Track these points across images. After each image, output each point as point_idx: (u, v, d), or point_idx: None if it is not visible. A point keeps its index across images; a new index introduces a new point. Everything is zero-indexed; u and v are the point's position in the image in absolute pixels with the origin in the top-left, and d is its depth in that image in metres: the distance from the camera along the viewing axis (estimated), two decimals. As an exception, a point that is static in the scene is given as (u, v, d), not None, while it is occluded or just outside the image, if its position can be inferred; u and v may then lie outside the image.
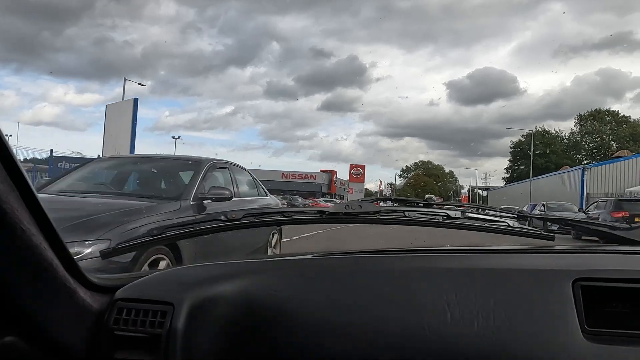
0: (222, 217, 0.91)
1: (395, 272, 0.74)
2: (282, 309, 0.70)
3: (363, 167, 55.47)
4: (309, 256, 0.87)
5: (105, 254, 0.93)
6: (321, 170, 59.49)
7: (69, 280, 0.70)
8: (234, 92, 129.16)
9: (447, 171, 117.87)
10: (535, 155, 51.08)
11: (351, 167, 55.99)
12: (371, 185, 70.72)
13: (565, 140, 52.87)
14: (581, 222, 0.99)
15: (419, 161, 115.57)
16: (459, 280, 0.69)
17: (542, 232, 0.91)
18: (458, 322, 0.64)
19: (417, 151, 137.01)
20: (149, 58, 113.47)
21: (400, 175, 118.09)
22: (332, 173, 53.64)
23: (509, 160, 56.24)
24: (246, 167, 4.84)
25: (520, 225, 0.92)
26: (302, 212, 0.97)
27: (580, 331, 0.61)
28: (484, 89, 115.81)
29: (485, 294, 0.66)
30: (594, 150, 49.13)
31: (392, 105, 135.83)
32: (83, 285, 0.74)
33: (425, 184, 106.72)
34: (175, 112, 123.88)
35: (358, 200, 1.01)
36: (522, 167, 51.54)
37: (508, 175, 56.95)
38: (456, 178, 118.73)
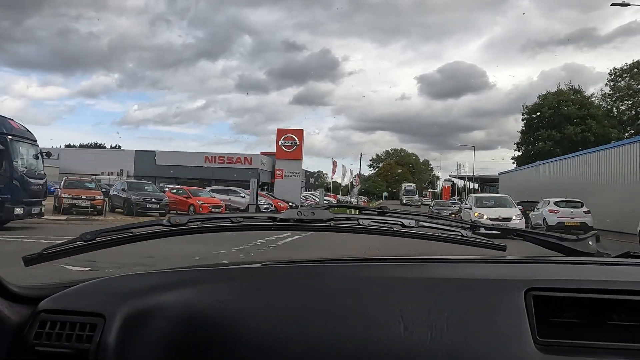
0: (165, 222, 0.90)
1: (347, 283, 0.76)
2: (227, 323, 0.70)
3: (300, 133, 33.37)
4: (258, 265, 0.89)
5: (28, 261, 0.87)
6: (262, 153, 47.48)
7: None
8: (205, 85, 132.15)
9: (421, 160, 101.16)
10: (564, 120, 33.41)
11: (280, 133, 33.07)
12: (339, 179, 65.23)
13: (602, 105, 35.89)
14: (531, 233, 1.08)
15: (391, 149, 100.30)
16: (412, 290, 0.72)
17: (494, 243, 0.96)
18: (412, 334, 0.66)
19: (389, 145, 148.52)
20: (116, 50, 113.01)
21: (370, 165, 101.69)
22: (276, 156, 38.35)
23: (521, 132, 39.03)
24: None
25: (473, 235, 0.96)
26: (252, 217, 1.01)
27: (532, 342, 0.65)
28: (454, 83, 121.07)
29: (439, 304, 0.69)
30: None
31: (364, 99, 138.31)
32: (1, 295, 0.72)
33: (398, 174, 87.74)
34: (144, 106, 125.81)
35: (310, 206, 1.01)
36: (540, 144, 38.68)
37: (520, 153, 39.44)
38: (432, 168, 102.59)
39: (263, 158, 48.49)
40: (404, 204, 51.55)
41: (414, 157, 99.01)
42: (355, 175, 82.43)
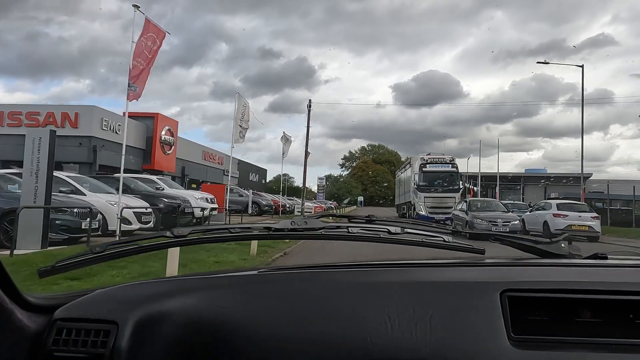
0: (168, 234, 1.01)
1: (338, 287, 0.86)
2: (228, 326, 0.78)
3: (175, 125, 31.52)
4: (255, 272, 0.99)
5: (43, 273, 0.95)
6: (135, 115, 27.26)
7: (5, 301, 0.75)
8: (180, 93, 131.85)
9: (403, 159, 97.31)
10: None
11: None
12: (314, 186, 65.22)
13: None
14: (509, 236, 1.17)
15: (368, 145, 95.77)
16: (398, 293, 0.81)
17: (474, 247, 1.07)
18: (398, 333, 0.75)
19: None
20: (87, 55, 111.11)
21: (342, 165, 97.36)
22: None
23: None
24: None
25: (454, 240, 1.07)
26: (249, 228, 1.08)
27: (507, 338, 0.74)
28: (428, 91, 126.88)
29: (422, 305, 0.78)
30: None
31: (340, 107, 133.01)
32: (19, 305, 0.79)
33: (375, 174, 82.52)
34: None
35: (304, 216, 1.24)
36: None
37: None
38: None
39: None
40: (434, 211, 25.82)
41: (395, 156, 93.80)
42: (324, 178, 77.58)
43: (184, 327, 0.78)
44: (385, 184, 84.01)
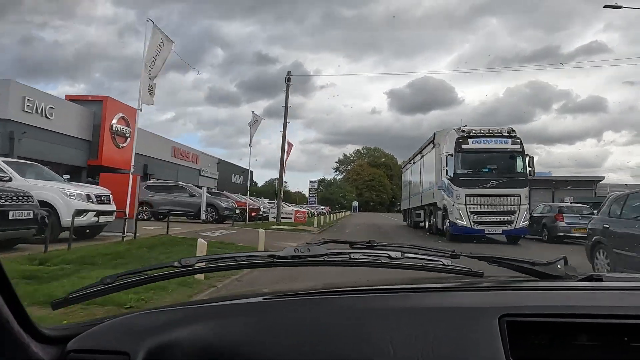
0: (176, 264, 1.04)
1: (342, 313, 0.89)
2: (237, 355, 0.81)
3: (132, 113, 22.77)
4: (260, 299, 1.02)
5: (56, 305, 0.99)
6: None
7: (23, 336, 0.78)
8: (175, 97, 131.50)
9: (400, 162, 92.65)
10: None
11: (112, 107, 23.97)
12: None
13: None
14: (506, 259, 1.20)
15: (363, 147, 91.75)
16: (401, 319, 0.85)
17: (472, 270, 1.11)
18: (401, 358, 0.78)
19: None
20: (82, 60, 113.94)
21: (336, 169, 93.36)
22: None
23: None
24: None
25: (453, 264, 1.11)
26: (253, 256, 1.12)
27: None
28: (423, 97, 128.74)
29: (424, 331, 0.81)
30: None
31: (335, 113, 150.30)
32: (34, 338, 0.81)
33: (371, 178, 78.21)
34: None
35: (307, 243, 1.18)
36: None
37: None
38: None
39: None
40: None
41: (391, 159, 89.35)
42: (315, 184, 73.02)
43: (193, 356, 0.81)
44: (381, 188, 79.66)
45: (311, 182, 77.98)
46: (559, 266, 1.14)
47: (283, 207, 27.38)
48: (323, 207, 62.86)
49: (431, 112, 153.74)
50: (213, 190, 26.31)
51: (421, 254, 1.13)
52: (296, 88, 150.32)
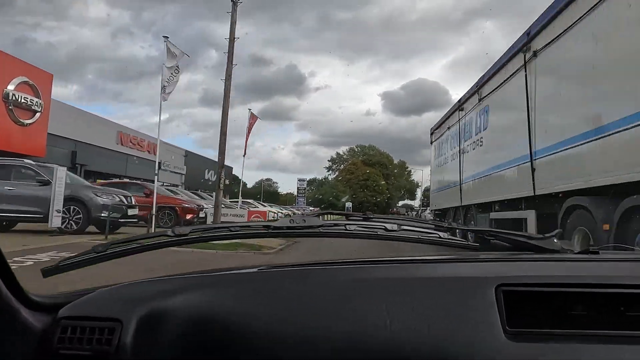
0: (170, 233, 1.05)
1: (338, 284, 0.88)
2: (230, 324, 0.82)
3: (44, 79, 18.14)
4: (255, 269, 1.01)
5: (46, 272, 1.01)
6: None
7: (12, 300, 0.78)
8: (169, 99, 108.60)
9: (396, 162, 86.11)
10: None
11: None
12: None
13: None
14: (502, 232, 1.21)
15: (356, 146, 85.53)
16: (397, 289, 0.85)
17: (469, 243, 1.15)
18: (397, 328, 0.79)
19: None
20: (75, 61, 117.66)
21: (328, 168, 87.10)
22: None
23: None
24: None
25: (450, 237, 1.12)
26: (248, 226, 1.13)
27: (502, 331, 0.78)
28: (417, 100, 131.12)
29: (420, 302, 0.82)
30: None
31: (330, 115, 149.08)
32: (25, 305, 0.82)
33: (365, 178, 70.97)
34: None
35: (303, 214, 1.29)
36: None
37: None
38: (410, 171, 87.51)
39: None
40: None
41: (388, 158, 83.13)
42: (302, 184, 67.79)
43: (187, 324, 0.81)
44: (377, 188, 73.34)
45: (299, 180, 72.34)
46: (555, 240, 1.15)
47: (235, 206, 21.59)
48: (312, 208, 57.03)
49: (425, 114, 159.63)
50: (136, 182, 17.95)
51: (417, 227, 1.15)
52: (291, 90, 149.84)
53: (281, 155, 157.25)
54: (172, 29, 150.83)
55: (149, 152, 33.84)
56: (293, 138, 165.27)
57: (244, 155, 22.17)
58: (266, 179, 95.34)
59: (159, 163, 13.91)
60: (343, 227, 1.06)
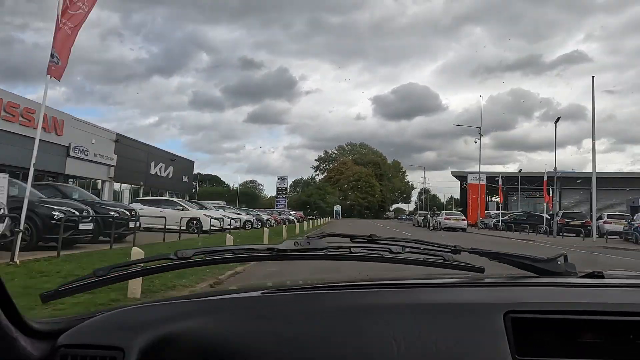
0: (172, 256, 1.03)
1: (343, 309, 0.88)
2: (233, 351, 0.81)
3: None
4: (258, 293, 1.01)
5: (46, 297, 0.97)
6: None
7: (10, 329, 0.77)
8: (159, 102, 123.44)
9: (390, 162, 76.85)
10: None
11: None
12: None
13: None
14: (507, 255, 1.21)
15: (347, 144, 77.08)
16: (403, 315, 0.84)
17: (474, 265, 1.13)
18: (404, 356, 0.78)
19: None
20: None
21: (316, 168, 78.57)
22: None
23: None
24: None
25: (454, 259, 1.12)
26: (252, 249, 1.12)
27: None
28: (408, 104, 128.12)
29: (428, 328, 0.82)
30: None
31: (320, 119, 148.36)
32: (23, 332, 0.80)
33: (357, 178, 61.70)
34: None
35: (308, 236, 1.16)
36: None
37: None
38: (404, 172, 78.60)
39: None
40: None
41: (380, 156, 74.27)
42: (285, 184, 60.44)
43: (189, 352, 0.80)
44: (369, 190, 64.22)
45: (279, 179, 63.78)
46: (559, 262, 1.16)
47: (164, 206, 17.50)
48: (294, 212, 48.39)
49: (416, 119, 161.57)
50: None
51: (422, 249, 1.15)
52: (281, 93, 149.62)
53: (271, 159, 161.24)
54: (162, 31, 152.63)
55: (49, 131, 23.27)
56: (283, 141, 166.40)
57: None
58: (250, 181, 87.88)
59: (68, 147, 13.14)
60: (348, 250, 1.06)
